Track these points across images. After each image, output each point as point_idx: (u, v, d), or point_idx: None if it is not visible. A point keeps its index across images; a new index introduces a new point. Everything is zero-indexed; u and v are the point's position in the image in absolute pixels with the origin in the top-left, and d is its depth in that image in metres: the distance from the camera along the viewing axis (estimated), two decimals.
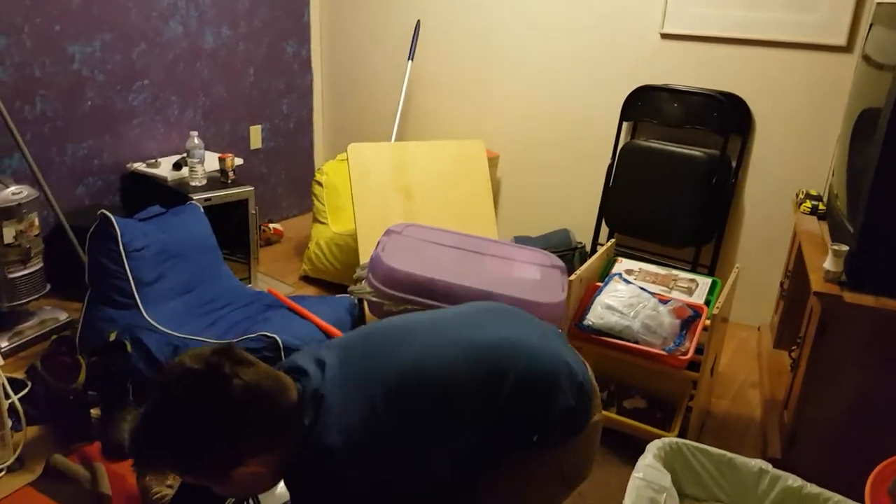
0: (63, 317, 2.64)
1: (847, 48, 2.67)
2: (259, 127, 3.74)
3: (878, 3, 2.24)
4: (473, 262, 2.56)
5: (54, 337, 2.28)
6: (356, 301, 2.55)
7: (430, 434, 1.12)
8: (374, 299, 2.35)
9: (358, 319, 2.54)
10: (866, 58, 2.27)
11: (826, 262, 1.90)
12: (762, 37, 2.82)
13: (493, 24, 3.41)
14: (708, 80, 2.96)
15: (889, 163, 1.80)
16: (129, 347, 2.12)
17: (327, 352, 1.20)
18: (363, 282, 2.44)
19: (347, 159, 2.94)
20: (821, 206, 2.42)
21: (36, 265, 2.49)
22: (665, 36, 3.02)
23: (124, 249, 2.35)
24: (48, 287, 2.56)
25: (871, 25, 2.38)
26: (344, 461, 1.05)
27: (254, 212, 3.03)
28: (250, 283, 3.06)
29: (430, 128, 3.70)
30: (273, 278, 3.22)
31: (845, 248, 1.88)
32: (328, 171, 3.30)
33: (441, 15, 3.55)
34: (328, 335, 2.32)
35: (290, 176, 3.97)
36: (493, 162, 3.42)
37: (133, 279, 2.35)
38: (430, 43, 3.59)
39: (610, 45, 3.14)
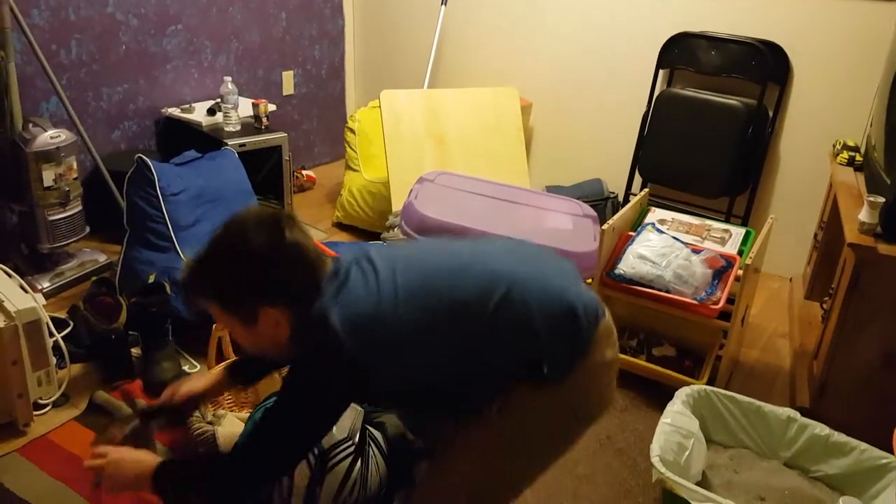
0: (102, 259, 2.72)
1: None
2: (291, 73, 3.74)
3: None
4: (506, 211, 2.57)
5: (94, 278, 2.35)
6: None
7: (437, 337, 1.18)
8: None
9: None
10: None
11: (861, 214, 1.88)
12: None
13: None
14: (746, 28, 2.88)
15: None
16: (167, 289, 2.18)
17: (365, 250, 1.29)
18: (396, 229, 2.47)
19: (380, 106, 2.94)
20: (858, 158, 2.37)
21: (75, 208, 2.55)
22: None
23: (162, 193, 2.40)
24: (87, 229, 2.63)
25: None
26: (348, 329, 1.12)
27: (287, 158, 3.06)
28: None
29: (463, 75, 3.66)
30: (307, 224, 3.25)
31: (881, 199, 1.85)
32: (360, 119, 3.29)
33: None
34: None
35: (322, 123, 3.98)
36: (525, 110, 3.38)
37: (171, 222, 2.40)
38: None
39: None
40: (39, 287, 2.49)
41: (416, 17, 3.75)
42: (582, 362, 1.25)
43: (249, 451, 1.21)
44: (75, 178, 2.53)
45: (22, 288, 1.92)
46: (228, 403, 1.89)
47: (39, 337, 1.86)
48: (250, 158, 2.88)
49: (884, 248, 1.82)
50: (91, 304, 2.22)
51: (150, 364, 2.09)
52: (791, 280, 2.90)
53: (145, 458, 1.26)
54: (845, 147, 2.45)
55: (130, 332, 2.15)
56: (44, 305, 2.05)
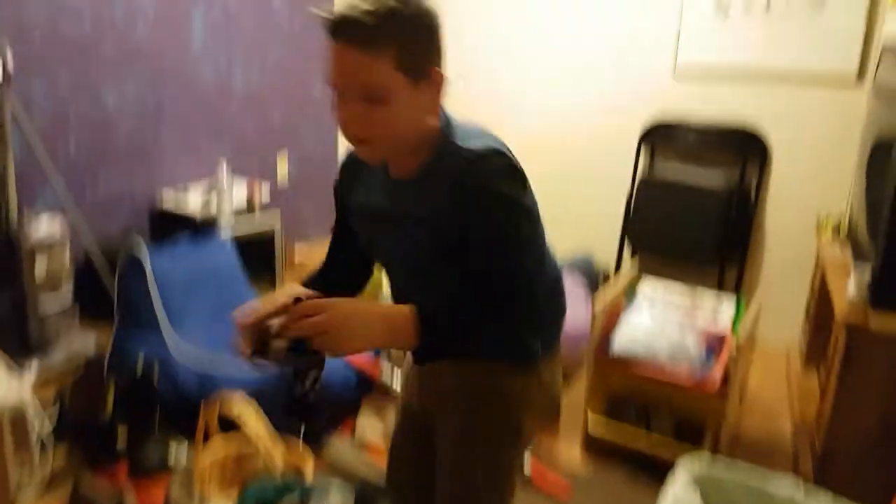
0: (92, 344, 2.69)
1: (857, 82, 2.72)
2: (286, 157, 3.82)
3: (884, 46, 2.29)
4: None
5: (83, 363, 2.33)
6: None
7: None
8: None
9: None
10: (877, 92, 2.30)
11: (849, 287, 1.90)
12: (773, 72, 2.88)
13: (515, 55, 3.48)
14: (722, 114, 3.00)
15: None
16: (156, 374, 2.16)
17: None
18: None
19: None
20: (842, 231, 2.42)
21: (66, 293, 2.54)
22: (678, 73, 3.08)
23: (153, 279, 2.41)
24: (78, 315, 2.62)
25: (878, 64, 2.42)
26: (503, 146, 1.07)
27: (280, 239, 3.08)
28: None
29: None
30: None
31: (867, 272, 1.88)
32: None
33: (463, 44, 3.62)
34: (353, 367, 2.35)
35: (316, 202, 4.04)
36: None
37: (161, 309, 2.40)
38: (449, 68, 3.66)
39: (626, 80, 3.20)
40: (28, 372, 2.45)
41: None
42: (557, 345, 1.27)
43: (525, 290, 1.05)
44: (68, 265, 2.53)
45: (9, 373, 1.89)
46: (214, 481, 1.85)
47: (24, 424, 1.81)
48: (244, 241, 2.91)
49: (874, 322, 1.83)
50: (79, 389, 2.19)
51: (136, 448, 2.04)
52: (788, 350, 2.89)
53: (383, 306, 1.03)
54: (829, 221, 2.51)
55: (117, 418, 2.11)
56: (31, 390, 2.01)
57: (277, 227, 3.07)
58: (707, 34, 2.98)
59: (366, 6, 0.95)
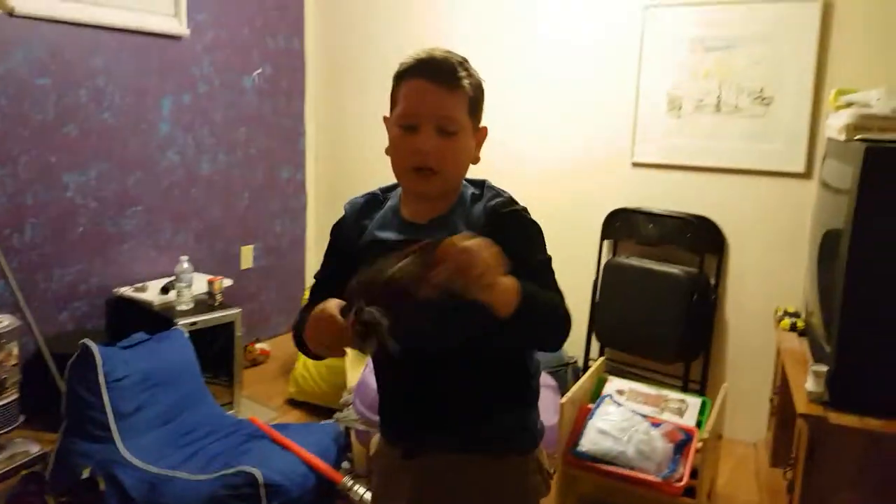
0: (35, 450, 2.54)
1: (806, 175, 2.83)
2: (251, 247, 3.80)
3: (829, 139, 2.39)
4: None
5: (24, 472, 2.21)
6: (342, 429, 2.49)
7: None
8: (361, 427, 2.30)
9: (344, 448, 2.47)
10: (824, 184, 2.39)
11: (808, 383, 1.90)
12: (725, 165, 2.98)
13: (485, 151, 3.55)
14: (679, 204, 3.08)
15: (856, 285, 1.85)
16: (102, 485, 2.04)
17: None
18: (350, 407, 2.40)
19: None
20: (800, 323, 2.45)
21: (11, 396, 2.42)
22: (636, 164, 3.18)
23: (104, 379, 2.33)
24: (22, 419, 2.49)
25: (823, 159, 2.53)
26: None
27: (240, 334, 3.02)
28: (233, 408, 3.00)
29: None
30: (257, 402, 3.15)
31: (824, 368, 1.89)
32: None
33: None
34: (312, 468, 2.26)
35: (281, 294, 3.99)
36: None
37: (111, 411, 2.30)
38: None
39: (586, 171, 3.29)
40: None
41: None
42: None
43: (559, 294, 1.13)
44: (14, 365, 2.43)
45: None
46: None
47: None
48: (202, 336, 2.84)
49: (834, 418, 1.83)
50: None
51: None
52: (756, 445, 2.86)
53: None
54: (787, 313, 2.54)
55: None
56: None
57: (238, 322, 3.01)
58: (661, 130, 3.09)
59: (449, 56, 1.13)
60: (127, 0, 3.04)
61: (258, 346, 3.66)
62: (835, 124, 2.22)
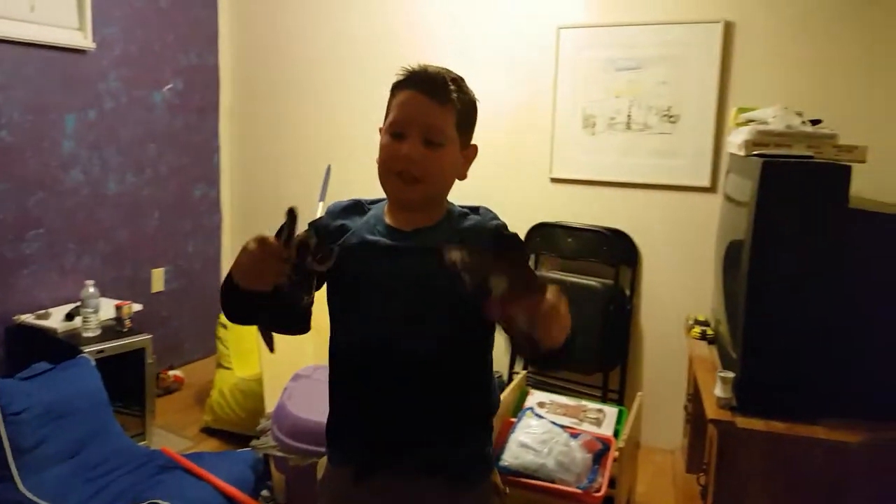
0: None
1: (711, 189, 2.96)
2: (162, 269, 3.66)
3: (731, 155, 2.52)
4: None
5: None
6: (260, 456, 2.42)
7: None
8: (279, 454, 2.23)
9: (263, 476, 2.39)
10: (727, 197, 2.51)
11: (716, 389, 1.97)
12: (637, 180, 3.09)
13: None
14: (596, 218, 3.17)
15: (757, 293, 1.95)
16: None
17: None
18: (268, 434, 2.33)
19: None
20: (709, 332, 2.55)
21: None
22: (555, 179, 3.26)
23: (2, 413, 2.17)
24: None
25: (726, 174, 2.66)
26: None
27: (151, 361, 2.89)
28: (145, 439, 2.86)
29: None
30: (171, 432, 3.02)
31: (731, 374, 1.97)
32: None
33: (352, 160, 3.67)
34: (229, 498, 2.17)
35: (194, 318, 3.85)
36: None
37: (10, 447, 2.16)
38: (342, 185, 3.69)
39: (507, 186, 3.33)
40: None
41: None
42: None
43: None
44: None
45: None
46: None
47: None
48: (110, 364, 2.70)
49: (741, 422, 1.90)
50: None
51: None
52: (673, 452, 2.95)
53: None
54: (697, 322, 2.64)
55: None
56: None
57: (148, 348, 2.88)
58: (577, 147, 3.18)
59: (442, 72, 1.17)
60: (28, 12, 2.89)
61: (172, 373, 3.51)
62: (735, 140, 2.33)
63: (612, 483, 2.06)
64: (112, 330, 2.90)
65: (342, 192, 3.84)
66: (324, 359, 2.84)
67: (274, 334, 1.18)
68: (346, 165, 3.68)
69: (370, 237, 1.19)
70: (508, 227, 1.23)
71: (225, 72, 3.96)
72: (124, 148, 3.39)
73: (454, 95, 1.17)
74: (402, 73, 1.18)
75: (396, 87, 1.19)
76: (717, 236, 2.66)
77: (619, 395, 3.08)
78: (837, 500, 1.89)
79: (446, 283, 1.09)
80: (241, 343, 3.14)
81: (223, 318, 3.21)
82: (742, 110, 2.48)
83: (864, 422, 1.92)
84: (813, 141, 2.07)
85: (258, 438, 2.41)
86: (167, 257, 3.68)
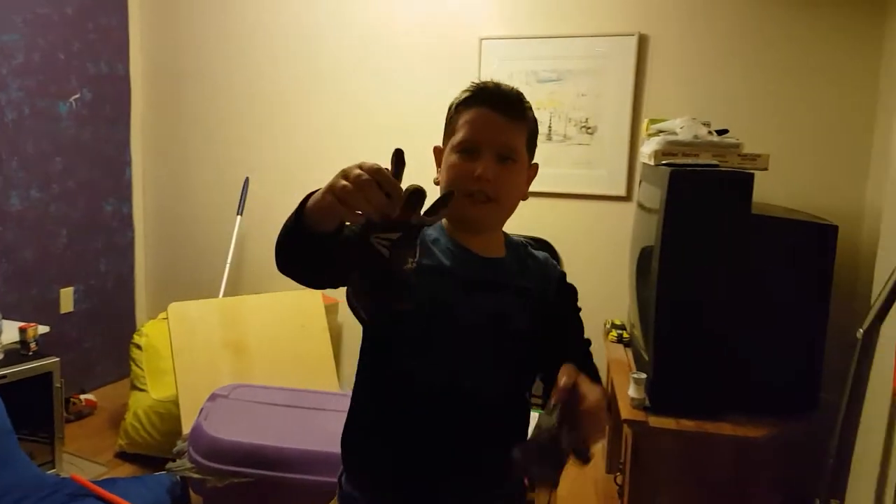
0: None
1: (627, 197, 3.07)
2: (71, 289, 3.49)
3: (643, 164, 2.62)
4: (310, 420, 2.46)
5: None
6: (178, 479, 2.33)
7: None
8: (196, 476, 2.16)
9: (180, 500, 2.31)
10: (639, 205, 2.61)
11: (629, 390, 2.04)
12: (559, 190, 3.18)
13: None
14: (520, 227, 3.08)
15: (666, 296, 2.03)
16: None
17: None
18: (185, 456, 2.26)
19: (167, 319, 2.80)
20: (625, 335, 2.63)
21: None
22: None
23: None
24: None
25: (639, 183, 2.76)
26: None
27: (59, 385, 2.75)
28: (54, 467, 2.71)
29: (266, 281, 3.64)
30: (83, 458, 2.88)
31: (643, 375, 2.04)
32: (148, 332, 3.10)
33: (271, 171, 3.62)
34: None
35: (106, 339, 3.68)
36: (332, 308, 3.40)
37: None
38: (260, 198, 3.62)
39: (432, 199, 3.34)
40: None
41: (212, 227, 3.75)
42: None
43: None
44: None
45: None
46: None
47: None
48: (14, 389, 2.55)
49: (654, 421, 1.97)
50: None
51: None
52: (593, 454, 3.02)
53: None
54: (613, 326, 2.72)
55: None
56: None
57: (56, 372, 2.74)
58: None
59: (514, 89, 1.15)
60: None
61: (83, 396, 3.35)
62: (646, 151, 2.43)
63: (534, 486, 2.09)
64: (16, 353, 2.74)
65: (261, 206, 3.81)
66: (244, 378, 2.78)
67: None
68: (264, 177, 3.62)
69: (451, 264, 1.12)
70: (566, 277, 1.27)
71: (136, 82, 3.83)
72: (28, 162, 3.23)
73: (528, 112, 1.16)
74: (470, 89, 1.15)
75: (464, 104, 1.15)
76: (631, 243, 2.76)
77: (542, 400, 3.12)
78: (742, 493, 1.98)
79: (519, 327, 1.13)
80: (158, 363, 3.03)
81: (136, 338, 3.09)
82: (653, 121, 2.58)
83: (766, 418, 2.02)
84: (718, 150, 2.17)
85: (175, 461, 2.32)
86: (77, 276, 3.52)
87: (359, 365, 1.18)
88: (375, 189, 0.80)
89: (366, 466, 1.17)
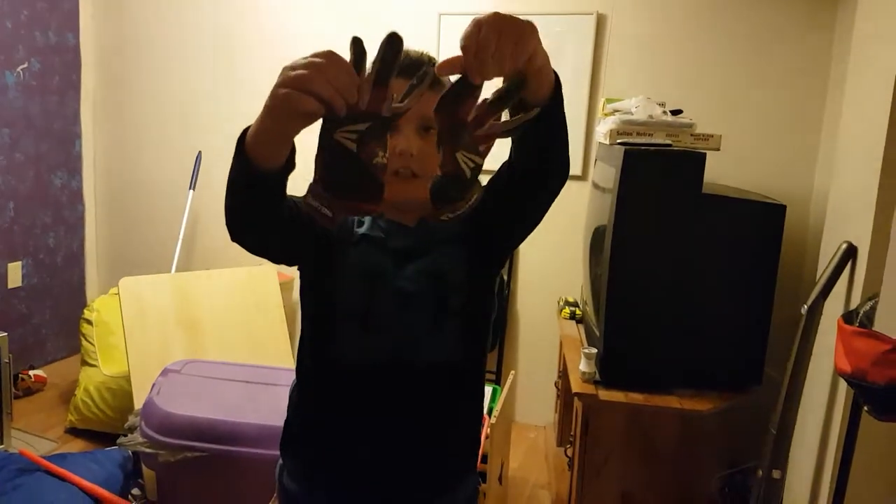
0: None
1: (583, 177, 3.10)
2: (19, 263, 3.40)
3: (599, 144, 2.65)
4: (263, 395, 2.45)
5: None
6: (129, 454, 2.31)
7: None
8: (148, 450, 2.14)
9: (132, 475, 2.29)
10: (594, 185, 2.64)
11: (581, 364, 2.08)
12: None
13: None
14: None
15: (617, 273, 2.07)
16: None
17: None
18: (136, 431, 2.23)
19: (118, 295, 2.75)
20: (578, 312, 2.68)
21: None
22: None
23: None
24: None
25: (594, 162, 2.80)
26: None
27: (7, 361, 2.68)
28: (2, 443, 2.66)
29: (219, 257, 3.60)
30: (33, 434, 2.83)
31: (594, 350, 2.08)
32: (99, 308, 3.04)
33: (224, 146, 3.55)
34: (95, 498, 2.07)
35: (56, 315, 3.60)
36: (287, 286, 3.38)
37: None
38: (213, 173, 3.56)
39: None
40: None
41: (164, 201, 3.68)
42: None
43: None
44: None
45: None
46: None
47: None
48: None
49: (604, 395, 2.02)
50: None
51: None
52: (545, 428, 3.08)
53: None
54: (567, 303, 2.77)
55: None
56: None
57: (4, 347, 2.67)
58: None
59: (425, 54, 1.06)
60: None
61: (32, 372, 3.28)
62: (602, 130, 2.45)
63: (485, 458, 2.13)
64: None
65: (214, 180, 3.76)
66: (196, 354, 2.75)
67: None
68: (216, 152, 3.55)
69: (372, 233, 1.07)
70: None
71: (87, 53, 3.71)
72: None
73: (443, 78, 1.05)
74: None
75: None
76: (586, 222, 2.80)
77: (496, 375, 3.17)
78: (688, 464, 2.05)
79: (457, 279, 1.07)
80: (108, 338, 2.98)
81: (87, 313, 3.03)
82: (609, 101, 2.61)
83: (712, 392, 2.09)
84: (672, 130, 2.20)
85: (126, 436, 2.30)
86: (25, 251, 3.43)
87: (298, 355, 1.14)
88: (336, 69, 0.73)
89: (310, 459, 1.13)
